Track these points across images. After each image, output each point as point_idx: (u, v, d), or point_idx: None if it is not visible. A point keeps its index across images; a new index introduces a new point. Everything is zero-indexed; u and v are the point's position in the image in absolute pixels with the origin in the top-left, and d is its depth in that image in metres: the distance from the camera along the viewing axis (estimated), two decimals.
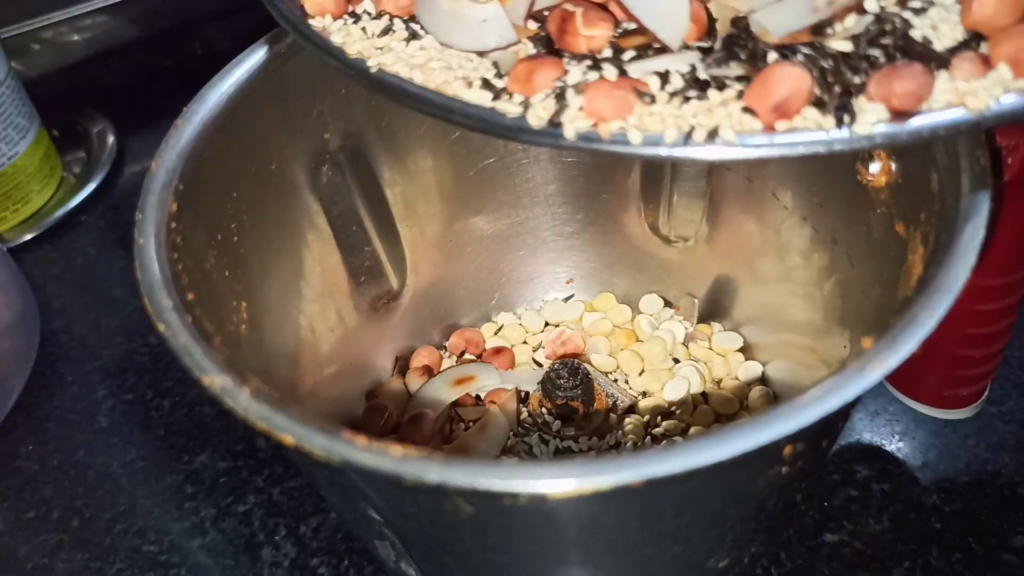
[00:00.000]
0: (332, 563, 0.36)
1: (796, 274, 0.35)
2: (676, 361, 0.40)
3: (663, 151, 0.19)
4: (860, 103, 0.18)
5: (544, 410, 0.38)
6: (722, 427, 0.20)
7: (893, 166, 0.28)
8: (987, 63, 0.18)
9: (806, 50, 0.19)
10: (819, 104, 0.19)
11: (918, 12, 0.20)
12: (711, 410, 0.38)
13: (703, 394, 0.39)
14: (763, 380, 0.39)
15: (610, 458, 0.19)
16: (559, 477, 0.19)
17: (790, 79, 0.18)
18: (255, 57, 0.31)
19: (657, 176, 0.38)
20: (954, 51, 0.19)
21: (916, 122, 0.18)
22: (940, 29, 0.19)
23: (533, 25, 0.22)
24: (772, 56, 0.19)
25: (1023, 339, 0.38)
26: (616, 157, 0.20)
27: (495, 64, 0.21)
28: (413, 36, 0.22)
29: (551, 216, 0.42)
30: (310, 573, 0.35)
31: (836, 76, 0.19)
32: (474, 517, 0.23)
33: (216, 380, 0.22)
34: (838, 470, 0.37)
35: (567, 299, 0.43)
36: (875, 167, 0.29)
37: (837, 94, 0.19)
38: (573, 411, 0.37)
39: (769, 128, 0.18)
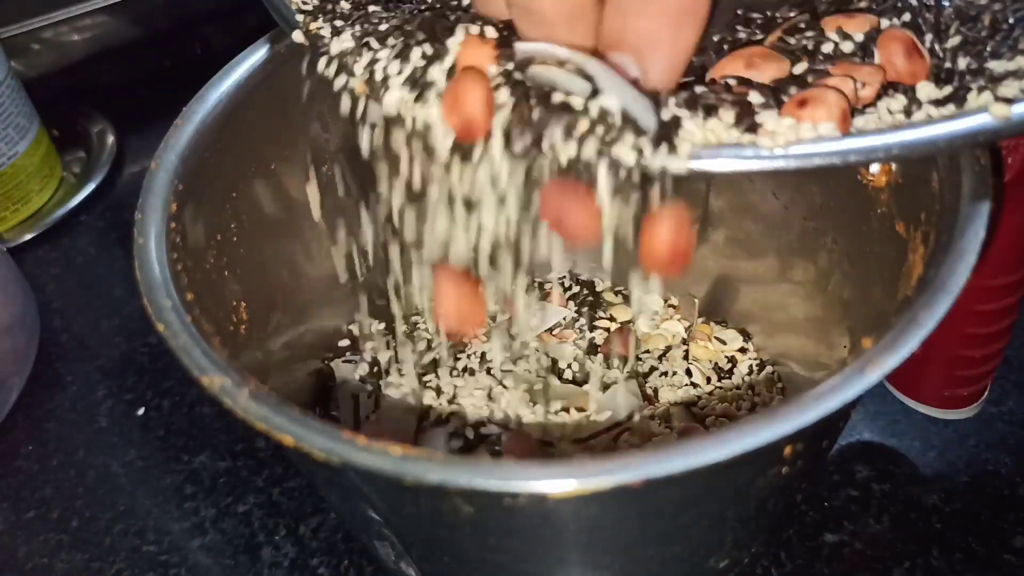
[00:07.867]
0: (332, 563, 0.36)
1: (796, 274, 0.35)
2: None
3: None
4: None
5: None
6: (722, 427, 0.19)
7: (893, 166, 0.28)
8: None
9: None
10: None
11: None
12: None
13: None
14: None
15: (610, 458, 0.19)
16: (559, 477, 0.19)
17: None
18: (255, 57, 0.31)
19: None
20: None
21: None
22: None
23: None
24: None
25: (1023, 339, 0.38)
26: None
27: None
28: None
29: None
30: (310, 573, 0.35)
31: None
32: (474, 517, 0.23)
33: (216, 380, 0.22)
34: (838, 470, 0.37)
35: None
36: (875, 167, 0.29)
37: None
38: None
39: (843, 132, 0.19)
